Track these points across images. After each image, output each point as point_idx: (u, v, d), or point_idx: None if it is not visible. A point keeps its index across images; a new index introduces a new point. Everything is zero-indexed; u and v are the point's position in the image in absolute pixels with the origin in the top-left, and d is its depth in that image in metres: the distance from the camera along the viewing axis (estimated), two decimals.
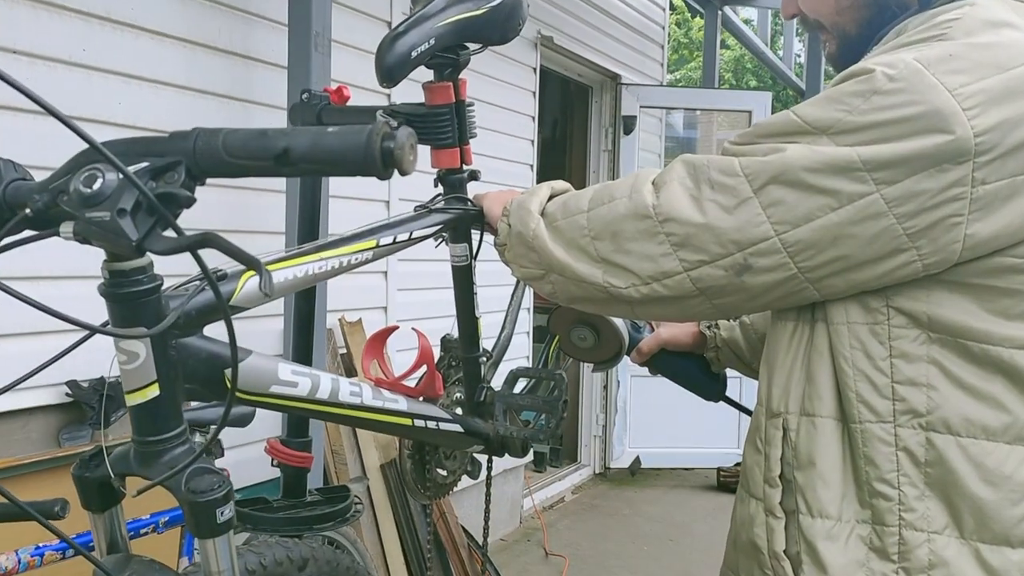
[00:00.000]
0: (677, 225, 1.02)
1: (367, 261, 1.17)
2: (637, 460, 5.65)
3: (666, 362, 1.56)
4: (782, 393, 1.07)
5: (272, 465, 1.68)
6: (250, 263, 0.61)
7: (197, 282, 0.91)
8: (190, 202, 0.68)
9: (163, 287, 0.84)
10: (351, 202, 3.09)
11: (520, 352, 4.51)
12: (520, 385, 1.62)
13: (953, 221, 0.92)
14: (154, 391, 0.85)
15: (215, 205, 2.57)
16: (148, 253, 0.77)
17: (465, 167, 1.42)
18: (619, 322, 1.53)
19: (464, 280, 1.49)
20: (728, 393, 1.56)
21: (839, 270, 0.98)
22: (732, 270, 1.01)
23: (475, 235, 1.45)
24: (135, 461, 0.89)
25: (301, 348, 1.64)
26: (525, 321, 4.66)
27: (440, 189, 1.43)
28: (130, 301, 0.82)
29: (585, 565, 4.18)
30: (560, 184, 1.28)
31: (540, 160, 4.95)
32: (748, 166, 0.99)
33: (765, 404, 1.10)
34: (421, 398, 1.41)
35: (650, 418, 5.59)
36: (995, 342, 0.96)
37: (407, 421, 1.27)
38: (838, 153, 0.93)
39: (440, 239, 1.46)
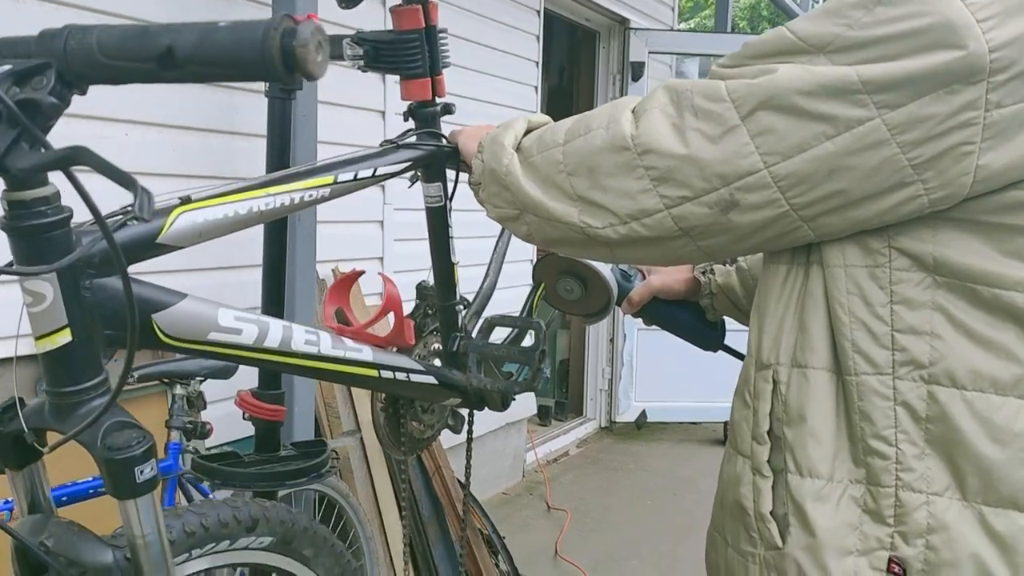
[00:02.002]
0: (657, 158, 0.92)
1: (324, 199, 1.08)
2: (643, 414, 5.60)
3: (659, 311, 1.48)
4: (772, 343, 0.98)
5: (244, 418, 1.61)
6: (123, 181, 0.52)
7: (119, 215, 0.82)
8: (58, 111, 0.59)
9: (72, 219, 0.75)
10: (342, 110, 2.97)
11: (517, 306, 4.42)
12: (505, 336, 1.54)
13: (964, 150, 0.82)
14: (65, 336, 0.77)
15: (197, 149, 2.48)
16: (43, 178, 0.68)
17: (438, 99, 1.32)
18: (608, 272, 1.44)
19: (439, 223, 1.39)
20: (729, 342, 1.47)
21: (836, 206, 0.88)
22: (717, 207, 0.91)
23: (451, 175, 1.36)
24: (49, 414, 0.81)
25: (271, 296, 1.55)
26: (526, 273, 4.56)
27: (411, 124, 1.33)
28: (33, 235, 0.73)
29: (587, 519, 4.14)
30: (539, 117, 1.18)
31: (546, 108, 4.82)
32: (735, 90, 0.88)
33: (755, 355, 1.01)
34: (394, 348, 1.33)
35: (657, 372, 5.51)
36: (1008, 286, 0.86)
37: (372, 372, 1.19)
38: (835, 73, 0.83)
39: (415, 178, 1.36)
